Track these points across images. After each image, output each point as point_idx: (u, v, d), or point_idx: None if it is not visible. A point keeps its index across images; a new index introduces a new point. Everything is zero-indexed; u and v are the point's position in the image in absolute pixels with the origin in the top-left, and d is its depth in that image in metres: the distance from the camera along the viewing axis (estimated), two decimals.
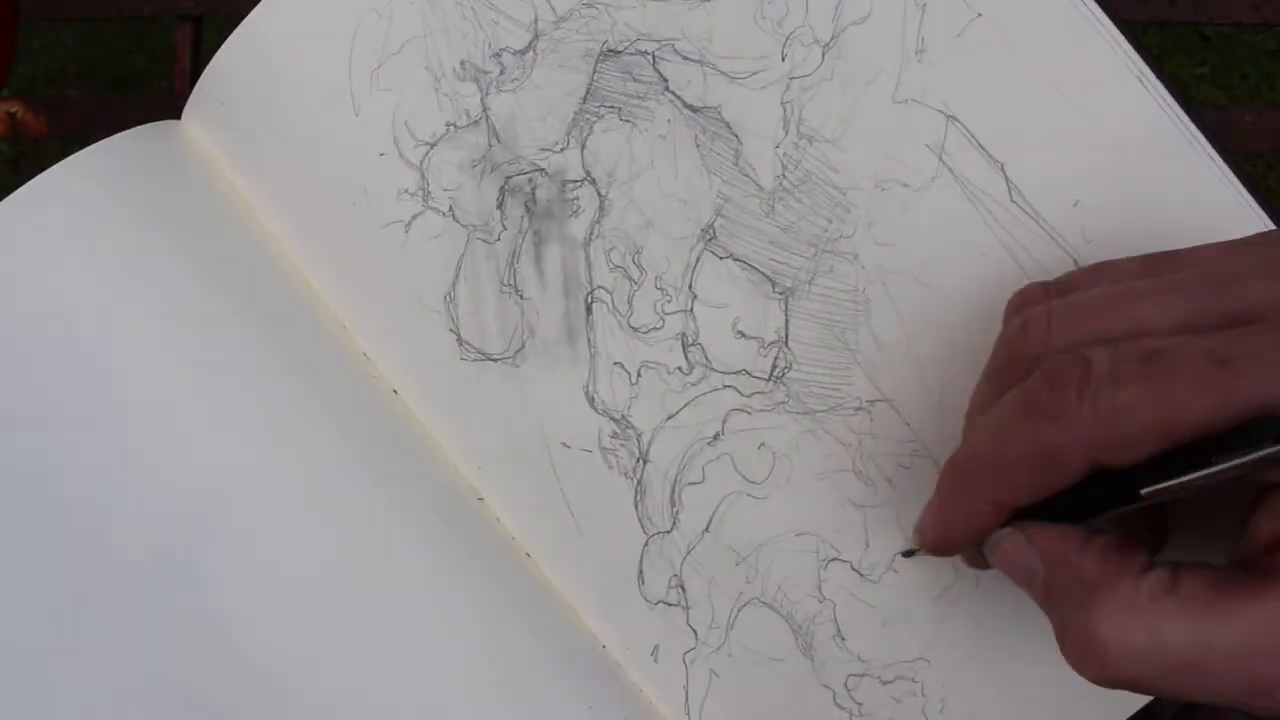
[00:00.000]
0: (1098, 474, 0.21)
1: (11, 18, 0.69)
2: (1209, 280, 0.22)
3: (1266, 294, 0.21)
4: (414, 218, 0.29)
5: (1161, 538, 0.25)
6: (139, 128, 0.30)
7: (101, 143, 0.29)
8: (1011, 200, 0.28)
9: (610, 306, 0.29)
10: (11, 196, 0.27)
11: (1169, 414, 0.20)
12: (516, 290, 0.29)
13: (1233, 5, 0.54)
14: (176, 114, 0.31)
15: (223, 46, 0.30)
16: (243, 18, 0.31)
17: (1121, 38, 0.27)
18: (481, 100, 0.29)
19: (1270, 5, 0.51)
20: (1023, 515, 0.23)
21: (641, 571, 0.29)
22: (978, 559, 0.25)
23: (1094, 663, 0.21)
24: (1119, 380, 0.20)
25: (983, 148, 0.28)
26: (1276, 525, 0.21)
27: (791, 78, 0.28)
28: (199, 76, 0.70)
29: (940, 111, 0.28)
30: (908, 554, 0.28)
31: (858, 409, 0.28)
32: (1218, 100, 0.99)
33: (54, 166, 0.28)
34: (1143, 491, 0.21)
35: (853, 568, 0.28)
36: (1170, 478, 0.20)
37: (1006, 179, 0.28)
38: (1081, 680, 0.22)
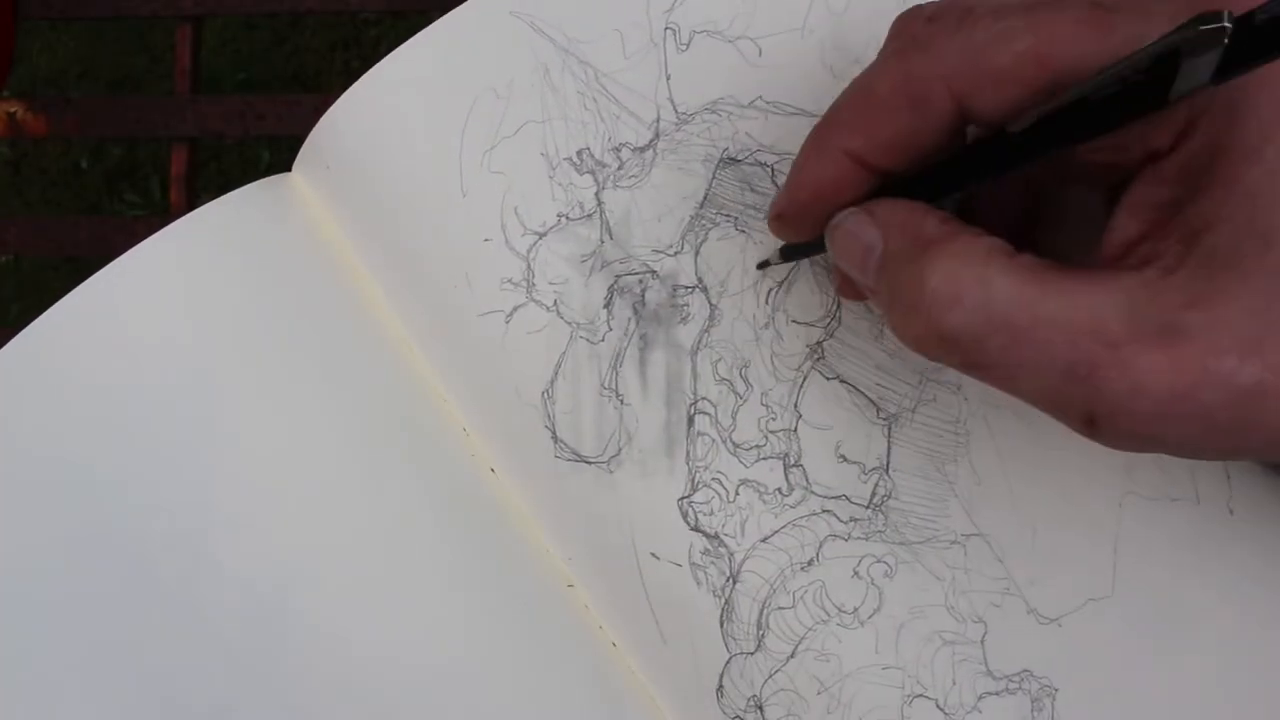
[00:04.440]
0: (964, 149, 0.21)
1: (11, 18, 0.66)
2: None
3: None
4: (516, 309, 0.28)
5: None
6: (250, 186, 0.29)
7: (211, 204, 0.28)
8: None
9: (713, 419, 0.28)
10: (119, 260, 0.26)
11: (1045, 46, 0.19)
12: (617, 395, 0.28)
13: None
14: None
15: (333, 106, 0.29)
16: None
17: None
18: (596, 194, 0.28)
19: None
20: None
21: (721, 685, 0.28)
22: (848, 288, 0.24)
23: (919, 316, 0.20)
24: (999, 15, 0.20)
25: None
26: (1132, 226, 0.20)
27: None
28: (199, 76, 0.67)
29: None
30: (762, 265, 0.27)
31: (953, 542, 0.28)
32: None
33: (163, 230, 0.27)
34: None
35: (938, 706, 0.27)
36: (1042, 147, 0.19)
37: None
38: None
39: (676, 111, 0.28)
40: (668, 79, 0.28)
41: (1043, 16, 0.19)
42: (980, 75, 0.20)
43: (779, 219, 0.24)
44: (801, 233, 0.24)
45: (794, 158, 0.23)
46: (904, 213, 0.21)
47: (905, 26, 0.22)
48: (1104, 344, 0.18)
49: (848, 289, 0.25)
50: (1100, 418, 0.19)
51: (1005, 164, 0.21)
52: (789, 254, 0.27)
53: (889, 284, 0.21)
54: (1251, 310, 0.18)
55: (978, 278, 0.19)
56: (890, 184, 0.22)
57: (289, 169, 0.31)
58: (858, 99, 0.22)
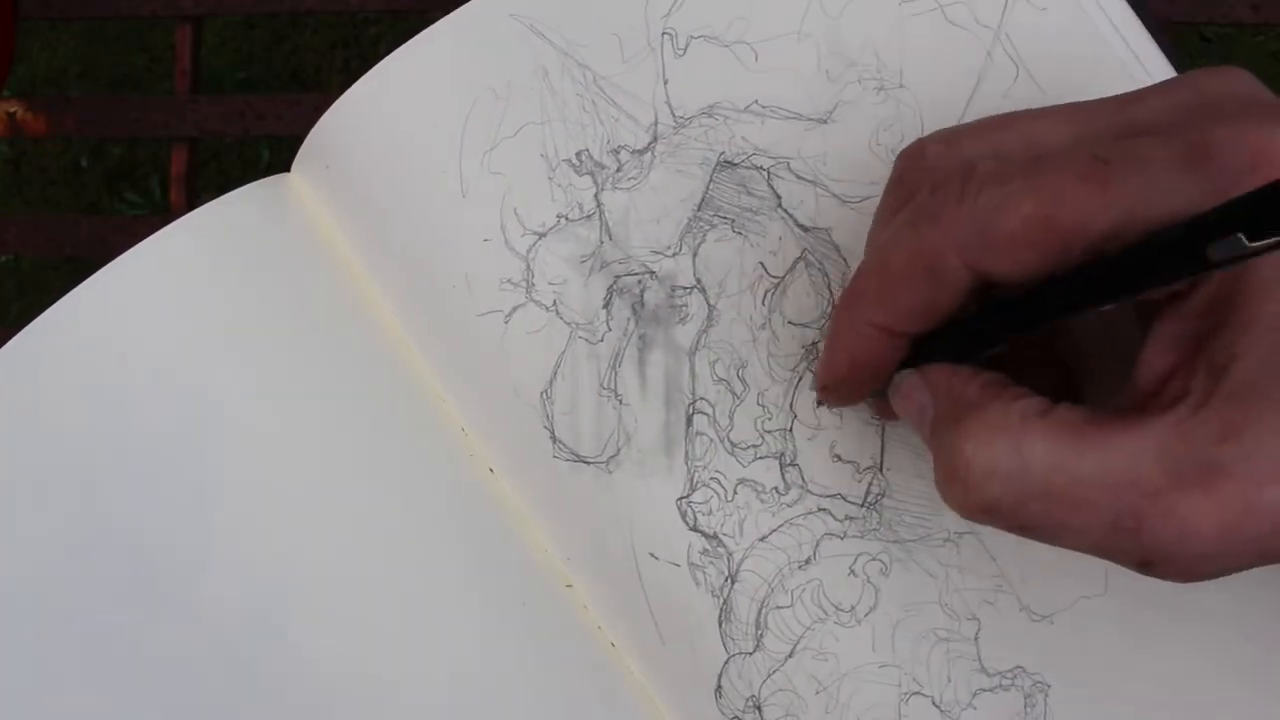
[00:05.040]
0: (991, 308, 0.21)
1: (11, 18, 0.67)
2: (1106, 103, 0.21)
3: (1158, 109, 0.20)
4: (515, 309, 0.29)
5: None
6: (250, 185, 0.29)
7: (211, 204, 0.28)
8: None
9: (711, 419, 0.28)
10: (119, 260, 0.27)
11: (1048, 208, 0.19)
12: (616, 395, 0.28)
13: (1233, 5, 0.54)
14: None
15: (332, 106, 0.29)
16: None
17: None
18: (596, 195, 0.29)
19: (1270, 5, 0.50)
20: (924, 359, 0.23)
21: (720, 686, 0.28)
22: (885, 409, 0.24)
23: (958, 485, 0.20)
24: (1001, 179, 0.20)
25: None
26: (1160, 362, 0.20)
27: None
28: (199, 76, 0.68)
29: None
30: (821, 403, 0.28)
31: (946, 540, 0.28)
32: None
33: (163, 230, 0.27)
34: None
35: (934, 703, 0.28)
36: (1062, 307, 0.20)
37: None
38: None
39: (674, 115, 0.29)
40: (665, 83, 0.28)
41: (1044, 177, 0.20)
42: (990, 243, 0.20)
43: (824, 391, 0.25)
44: (849, 400, 0.25)
45: (827, 331, 0.24)
46: (949, 376, 0.22)
47: (907, 172, 0.23)
48: (1145, 495, 0.19)
49: (885, 411, 0.26)
50: (1155, 563, 0.19)
51: (1036, 321, 0.21)
52: None
53: (935, 449, 0.22)
54: None
55: (1013, 446, 0.20)
56: (938, 339, 0.23)
57: (289, 169, 0.31)
58: (876, 273, 0.22)
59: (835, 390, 0.25)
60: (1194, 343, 0.20)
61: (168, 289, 0.28)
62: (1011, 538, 0.28)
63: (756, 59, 0.28)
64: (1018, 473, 0.20)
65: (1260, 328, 0.19)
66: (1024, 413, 0.20)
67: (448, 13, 0.29)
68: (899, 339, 0.23)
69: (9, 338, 0.28)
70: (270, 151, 1.06)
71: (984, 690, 0.28)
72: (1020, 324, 0.21)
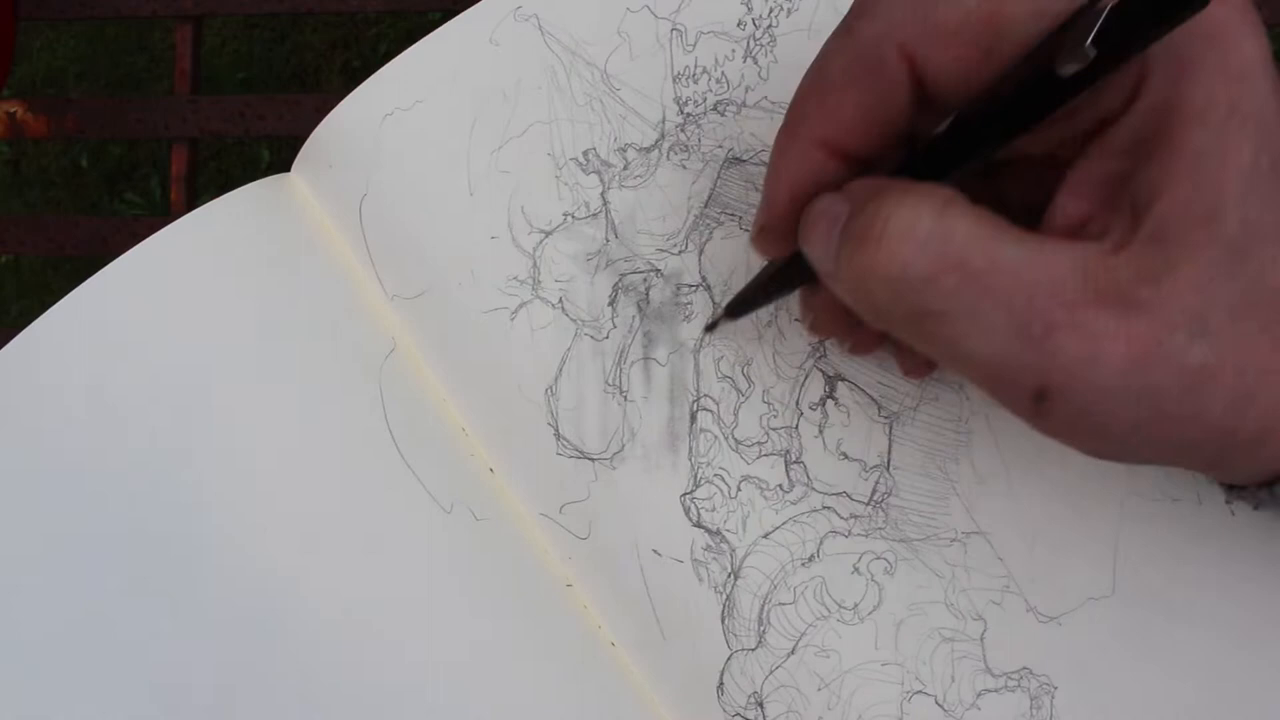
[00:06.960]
0: (921, 149, 0.20)
1: (11, 18, 0.66)
2: None
3: None
4: (521, 306, 0.29)
5: None
6: (250, 185, 0.29)
7: (211, 204, 0.28)
8: None
9: (716, 416, 0.28)
10: (119, 260, 0.27)
11: (992, 4, 0.18)
12: (621, 391, 0.28)
13: None
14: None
15: (339, 105, 0.29)
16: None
17: None
18: (602, 194, 0.28)
19: (1270, 5, 0.50)
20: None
21: (722, 683, 0.28)
22: (818, 319, 0.23)
23: (869, 245, 0.18)
24: None
25: None
26: (1075, 205, 0.19)
27: None
28: (199, 76, 0.68)
29: None
30: (709, 327, 0.27)
31: (953, 540, 0.28)
32: None
33: (163, 230, 0.27)
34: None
35: (937, 702, 0.28)
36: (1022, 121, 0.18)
37: None
38: None
39: (682, 112, 0.29)
40: (674, 80, 0.28)
41: None
42: (929, 34, 0.19)
43: (762, 232, 0.23)
44: (786, 244, 0.22)
45: (769, 163, 0.22)
46: (869, 181, 0.21)
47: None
48: (1061, 301, 0.17)
49: (821, 324, 0.25)
50: (1053, 391, 0.18)
51: (968, 155, 0.20)
52: (735, 309, 0.26)
53: (843, 245, 0.20)
54: (1198, 286, 0.17)
55: (936, 213, 0.18)
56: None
57: (289, 169, 0.31)
58: (814, 82, 0.21)
59: (774, 232, 0.22)
60: (1116, 183, 0.19)
61: (168, 289, 0.28)
62: (1021, 539, 0.28)
63: (766, 54, 0.28)
64: (938, 236, 0.18)
65: (1187, 157, 0.18)
66: (953, 194, 0.19)
67: (447, 12, 0.29)
68: (841, 162, 0.21)
69: (9, 338, 0.28)
70: (270, 151, 1.06)
71: (989, 691, 0.28)
72: (952, 155, 0.20)
